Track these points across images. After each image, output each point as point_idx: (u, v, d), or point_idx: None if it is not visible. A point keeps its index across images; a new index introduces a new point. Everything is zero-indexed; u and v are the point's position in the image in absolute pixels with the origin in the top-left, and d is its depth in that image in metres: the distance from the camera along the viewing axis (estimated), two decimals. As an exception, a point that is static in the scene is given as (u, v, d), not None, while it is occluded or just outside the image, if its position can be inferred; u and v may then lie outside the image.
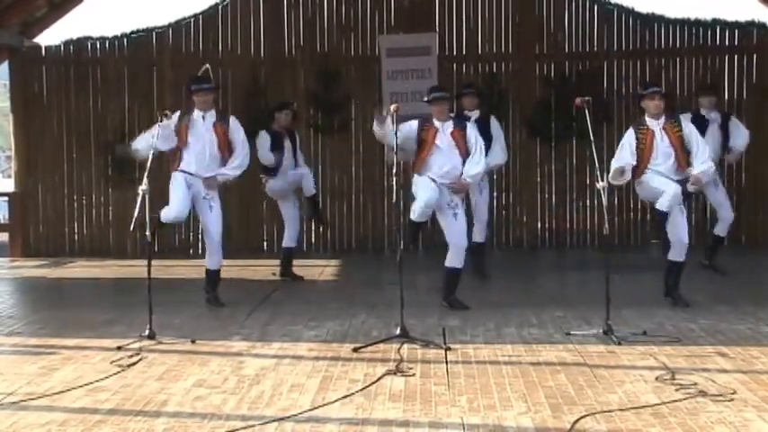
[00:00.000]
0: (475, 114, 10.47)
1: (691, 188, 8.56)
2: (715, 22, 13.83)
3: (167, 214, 8.81)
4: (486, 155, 10.17)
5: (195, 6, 14.19)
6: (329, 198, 14.04)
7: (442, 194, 8.43)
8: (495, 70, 13.90)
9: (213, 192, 8.90)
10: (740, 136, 10.87)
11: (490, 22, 13.96)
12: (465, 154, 8.54)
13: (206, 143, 8.79)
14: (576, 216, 13.87)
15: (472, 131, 8.71)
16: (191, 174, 8.76)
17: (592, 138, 8.04)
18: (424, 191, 8.41)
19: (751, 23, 13.79)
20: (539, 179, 13.99)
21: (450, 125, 8.56)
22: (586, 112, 8.07)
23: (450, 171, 8.47)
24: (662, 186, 8.40)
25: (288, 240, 10.86)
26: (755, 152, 13.70)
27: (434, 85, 9.08)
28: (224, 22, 14.00)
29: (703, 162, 8.51)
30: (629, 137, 8.53)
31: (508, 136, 13.78)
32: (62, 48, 14.01)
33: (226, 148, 8.90)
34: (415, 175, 8.62)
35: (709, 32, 13.83)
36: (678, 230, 8.53)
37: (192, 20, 14.02)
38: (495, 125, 10.64)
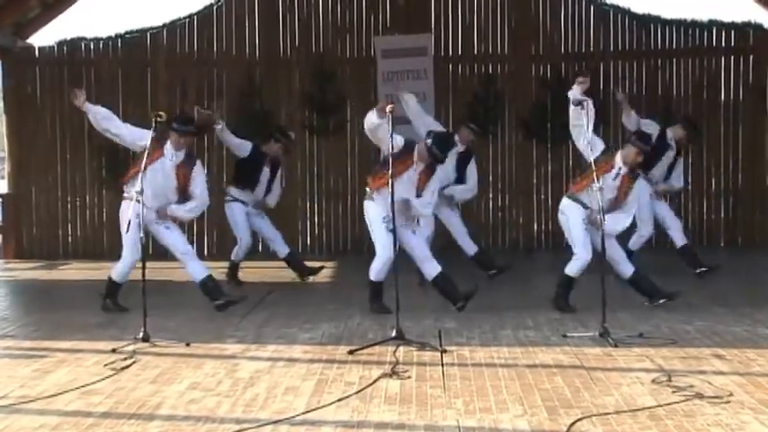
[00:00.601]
0: (461, 148, 10.46)
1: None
2: (711, 22, 13.87)
3: (121, 272, 8.72)
4: (456, 184, 10.47)
5: (190, 7, 14.20)
6: (324, 199, 14.06)
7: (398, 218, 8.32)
8: (491, 71, 13.94)
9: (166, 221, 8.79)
10: (677, 179, 10.88)
11: (486, 23, 13.99)
12: (420, 192, 8.59)
13: (165, 182, 8.64)
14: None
15: (437, 177, 8.74)
16: (145, 205, 8.14)
17: (589, 138, 8.05)
18: (381, 246, 8.46)
19: (747, 24, 13.82)
20: (535, 181, 14.03)
21: (422, 166, 8.53)
22: (585, 112, 8.09)
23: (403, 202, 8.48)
24: (578, 243, 8.47)
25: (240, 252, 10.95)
26: (751, 153, 13.79)
27: (442, 135, 8.99)
28: (219, 22, 14.01)
29: (619, 221, 8.40)
30: (598, 147, 8.41)
31: (505, 137, 13.87)
32: (55, 48, 14.03)
33: (184, 191, 8.78)
34: (371, 201, 8.59)
35: (706, 33, 13.87)
36: (616, 251, 8.55)
37: (187, 20, 14.03)
38: (473, 165, 10.65)
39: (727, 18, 13.97)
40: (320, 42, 14.06)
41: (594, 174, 7.78)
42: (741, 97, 13.84)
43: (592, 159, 7.97)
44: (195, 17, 14.03)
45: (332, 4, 14.06)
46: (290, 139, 11.18)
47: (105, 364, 6.64)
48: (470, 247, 10.71)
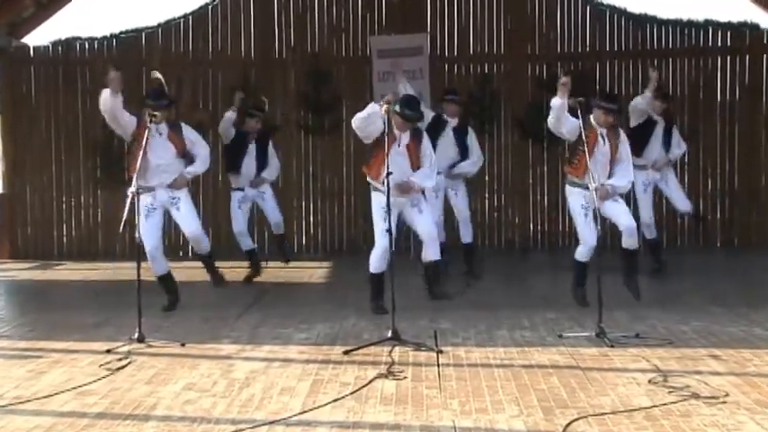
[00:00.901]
0: (454, 122, 10.51)
1: (597, 200, 8.21)
2: (707, 22, 13.87)
3: (149, 254, 8.71)
4: (461, 161, 10.51)
5: (185, 7, 14.20)
6: (320, 199, 14.07)
7: (400, 200, 8.45)
8: (486, 71, 13.95)
9: (180, 192, 8.89)
10: (679, 145, 10.98)
11: (482, 23, 13.99)
12: (417, 167, 8.59)
13: (165, 154, 8.75)
14: (569, 217, 13.86)
15: (427, 145, 8.72)
16: (152, 189, 8.65)
17: (584, 139, 8.06)
18: (378, 234, 8.40)
19: (743, 24, 13.82)
20: (531, 181, 14.03)
21: (407, 137, 8.54)
22: (579, 113, 8.11)
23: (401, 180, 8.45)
24: (583, 231, 8.47)
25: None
26: (747, 153, 13.81)
27: (405, 96, 9.00)
28: (214, 22, 14.01)
29: (622, 176, 8.51)
30: (576, 124, 8.43)
31: (500, 137, 13.88)
32: (50, 48, 14.01)
33: (185, 154, 8.96)
34: (373, 191, 8.60)
35: (702, 33, 13.87)
36: (620, 217, 8.55)
37: (182, 20, 14.03)
38: (472, 135, 10.72)
39: (723, 18, 13.98)
40: (315, 42, 14.05)
41: (587, 150, 7.96)
42: (737, 97, 13.84)
43: (582, 136, 8.06)
44: (190, 17, 14.02)
45: (327, 3, 14.05)
46: (262, 109, 11.30)
47: (100, 365, 6.64)
48: (467, 236, 10.72)
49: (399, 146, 8.46)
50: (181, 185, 8.90)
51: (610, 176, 8.49)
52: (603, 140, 8.49)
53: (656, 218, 11.04)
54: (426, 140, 8.78)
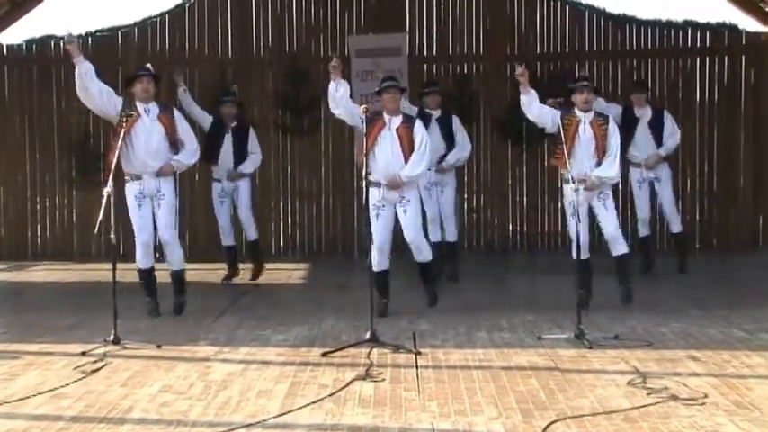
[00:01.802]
0: (437, 113, 10.54)
1: (583, 192, 8.30)
2: (686, 23, 13.93)
3: (143, 245, 8.59)
4: (449, 152, 10.43)
5: (161, 5, 14.12)
6: (298, 200, 14.04)
7: (390, 195, 8.43)
8: (465, 71, 13.95)
9: (166, 186, 8.65)
10: (672, 134, 10.95)
11: (461, 23, 14.00)
12: (410, 153, 8.45)
13: (153, 136, 8.52)
14: (548, 218, 13.93)
15: (420, 129, 8.55)
16: (138, 177, 8.45)
17: (563, 139, 8.08)
18: (374, 232, 8.29)
19: (722, 25, 13.88)
20: (510, 181, 14.04)
21: (398, 120, 8.46)
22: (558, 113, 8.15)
23: (393, 170, 8.40)
24: (572, 232, 8.31)
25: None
26: (726, 154, 13.87)
27: (387, 75, 9.02)
28: (191, 21, 13.95)
29: (609, 167, 8.50)
30: (555, 114, 8.48)
31: (480, 138, 13.88)
32: (24, 47, 13.92)
33: (173, 140, 8.68)
34: (370, 187, 8.45)
35: (681, 34, 13.93)
36: (604, 223, 8.62)
37: (159, 19, 13.96)
38: (456, 122, 10.73)
39: (701, 19, 14.03)
40: (294, 41, 14.02)
41: (566, 138, 8.04)
42: (716, 98, 13.92)
43: (558, 128, 8.10)
44: (167, 16, 13.95)
45: (306, 3, 14.02)
46: (233, 95, 11.14)
47: (75, 367, 6.61)
48: (451, 234, 10.71)
49: (390, 129, 8.38)
50: (167, 173, 8.61)
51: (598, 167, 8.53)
52: (585, 128, 8.51)
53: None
54: (419, 126, 8.57)
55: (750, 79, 13.82)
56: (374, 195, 8.29)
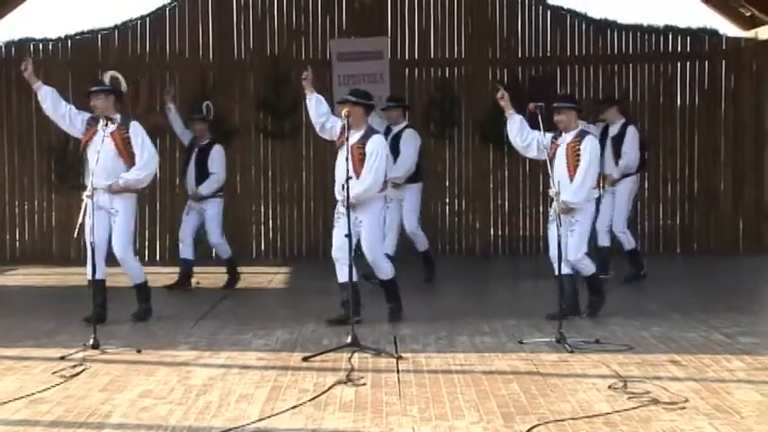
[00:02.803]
0: (400, 127, 10.57)
1: (553, 214, 8.26)
2: (667, 28, 14.01)
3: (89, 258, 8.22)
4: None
5: (141, 8, 14.07)
6: (279, 204, 14.03)
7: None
8: (447, 75, 13.98)
9: (119, 203, 8.48)
10: (625, 153, 10.74)
11: (443, 27, 14.02)
12: (360, 169, 8.15)
13: (105, 154, 8.24)
14: (530, 223, 13.96)
15: (371, 146, 8.21)
16: (92, 189, 7.97)
17: (545, 143, 8.11)
18: (335, 236, 8.28)
19: (702, 30, 13.97)
20: (491, 186, 14.07)
21: (357, 135, 8.19)
22: (539, 117, 8.16)
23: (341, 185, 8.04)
24: (551, 244, 8.30)
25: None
26: (706, 159, 13.95)
27: (353, 89, 9.01)
28: (171, 24, 13.92)
29: (571, 192, 8.31)
30: (540, 140, 8.43)
31: (461, 141, 13.91)
32: (2, 49, 13.86)
33: (127, 156, 8.49)
34: None
35: (662, 39, 14.00)
36: (567, 250, 8.38)
37: (139, 22, 13.93)
38: (405, 138, 10.53)
39: (682, 24, 14.10)
40: (275, 45, 14.00)
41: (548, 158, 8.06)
42: (696, 102, 13.99)
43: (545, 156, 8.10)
44: (147, 19, 13.91)
45: (287, 6, 14.01)
46: (203, 113, 10.89)
47: (54, 372, 6.57)
48: (420, 245, 10.78)
49: (348, 145, 7.97)
50: (115, 190, 8.41)
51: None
52: (562, 150, 8.46)
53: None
54: (373, 142, 8.24)
55: (730, 84, 13.91)
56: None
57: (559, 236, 7.90)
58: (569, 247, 8.39)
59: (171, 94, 11.28)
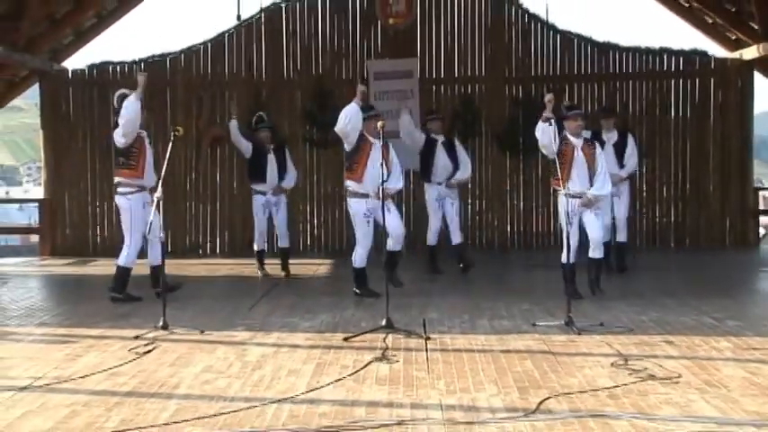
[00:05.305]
0: (441, 138, 10.60)
1: (580, 207, 8.45)
2: (663, 50, 13.94)
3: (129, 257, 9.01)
4: (456, 173, 10.60)
5: (204, 35, 14.20)
6: (323, 204, 14.07)
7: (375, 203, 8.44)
8: (469, 91, 13.94)
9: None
10: (631, 156, 10.63)
11: (466, 49, 14.00)
12: (389, 168, 8.41)
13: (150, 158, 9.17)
14: (542, 220, 13.91)
15: (393, 151, 8.73)
16: (144, 188, 9.02)
17: (555, 150, 8.06)
18: (363, 236, 8.71)
19: (694, 51, 13.93)
20: (508, 188, 14.04)
21: (379, 143, 8.21)
22: (551, 129, 8.12)
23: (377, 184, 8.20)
24: (570, 236, 8.14)
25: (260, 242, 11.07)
26: (697, 164, 13.84)
27: (369, 105, 9.11)
28: (230, 48, 14.00)
29: (602, 186, 8.51)
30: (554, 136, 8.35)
31: (481, 150, 13.87)
32: (86, 71, 14.01)
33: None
34: (351, 198, 8.77)
35: (658, 59, 13.92)
36: (592, 230, 8.55)
37: (202, 47, 14.04)
38: (459, 147, 10.82)
39: (676, 46, 14.11)
40: (320, 65, 14.03)
41: (558, 165, 7.96)
42: (688, 114, 13.89)
43: (555, 157, 8.04)
44: (209, 44, 14.01)
45: (330, 31, 14.05)
46: (267, 122, 11.08)
47: (129, 349, 6.62)
48: (456, 237, 10.84)
49: (376, 149, 8.33)
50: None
51: (591, 184, 8.52)
52: (578, 153, 8.50)
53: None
54: (393, 148, 8.81)
55: (718, 98, 13.83)
56: (361, 205, 8.72)
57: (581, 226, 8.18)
58: (597, 229, 8.57)
59: (235, 110, 11.28)
